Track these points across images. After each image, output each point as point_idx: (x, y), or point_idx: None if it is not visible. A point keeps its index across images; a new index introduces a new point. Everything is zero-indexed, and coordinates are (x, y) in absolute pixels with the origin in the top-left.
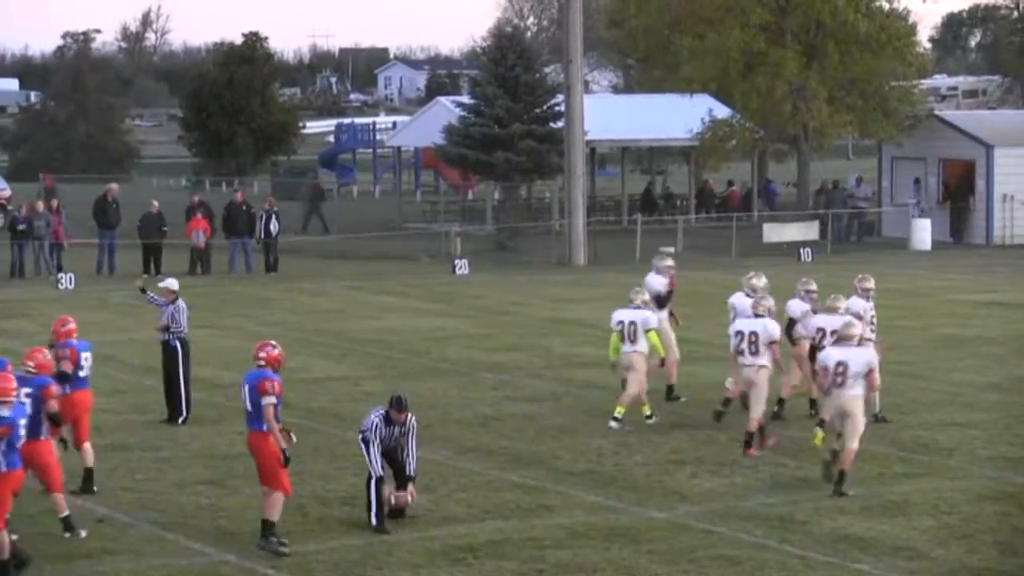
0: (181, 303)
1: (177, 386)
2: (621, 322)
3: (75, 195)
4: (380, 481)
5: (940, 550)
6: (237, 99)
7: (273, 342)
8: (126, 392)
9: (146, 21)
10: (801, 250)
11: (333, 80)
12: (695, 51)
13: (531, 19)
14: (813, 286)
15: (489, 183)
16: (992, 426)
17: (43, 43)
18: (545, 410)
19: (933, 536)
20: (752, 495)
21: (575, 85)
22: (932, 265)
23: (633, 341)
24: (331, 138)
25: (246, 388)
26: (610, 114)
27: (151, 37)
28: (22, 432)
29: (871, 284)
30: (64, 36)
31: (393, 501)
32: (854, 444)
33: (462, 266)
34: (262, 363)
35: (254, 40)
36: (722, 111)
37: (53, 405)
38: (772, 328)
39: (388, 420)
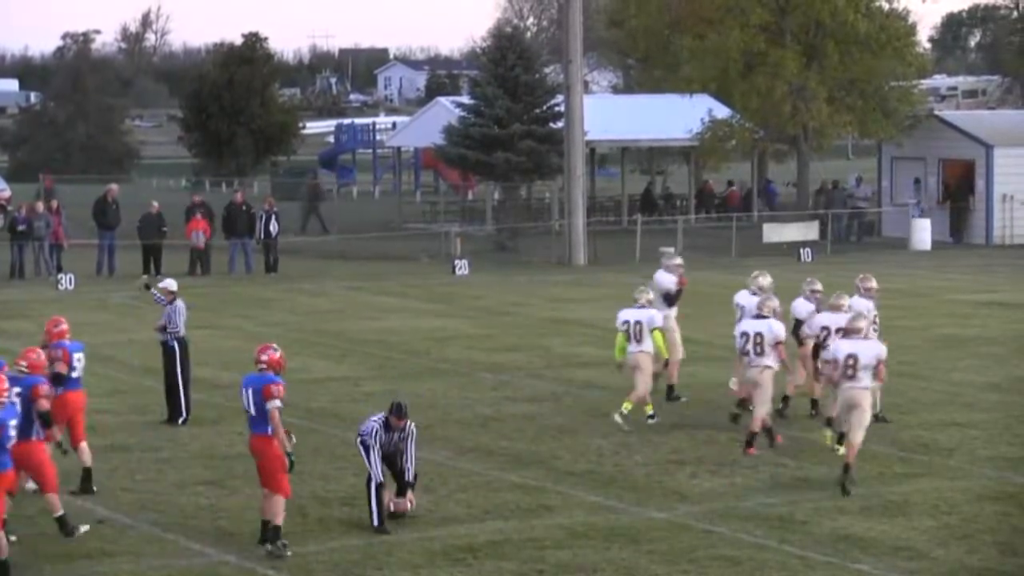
0: (179, 303)
1: (176, 387)
2: (627, 322)
3: (75, 196)
4: (381, 487)
5: (940, 550)
6: (237, 100)
7: (274, 345)
8: (126, 393)
9: (146, 22)
10: (801, 250)
11: (333, 80)
12: (695, 51)
13: (531, 19)
14: (818, 286)
15: (489, 183)
16: (992, 426)
17: (43, 44)
18: (545, 410)
19: (933, 536)
20: (752, 495)
21: (575, 85)
22: (932, 265)
23: (639, 341)
24: (331, 138)
25: (248, 392)
26: (610, 114)
27: (151, 38)
28: (12, 433)
29: (873, 284)
30: (64, 37)
31: (392, 508)
32: (860, 437)
33: (462, 266)
34: (264, 366)
35: (254, 41)
36: (722, 111)
37: (43, 404)
38: (777, 329)
39: (388, 426)
